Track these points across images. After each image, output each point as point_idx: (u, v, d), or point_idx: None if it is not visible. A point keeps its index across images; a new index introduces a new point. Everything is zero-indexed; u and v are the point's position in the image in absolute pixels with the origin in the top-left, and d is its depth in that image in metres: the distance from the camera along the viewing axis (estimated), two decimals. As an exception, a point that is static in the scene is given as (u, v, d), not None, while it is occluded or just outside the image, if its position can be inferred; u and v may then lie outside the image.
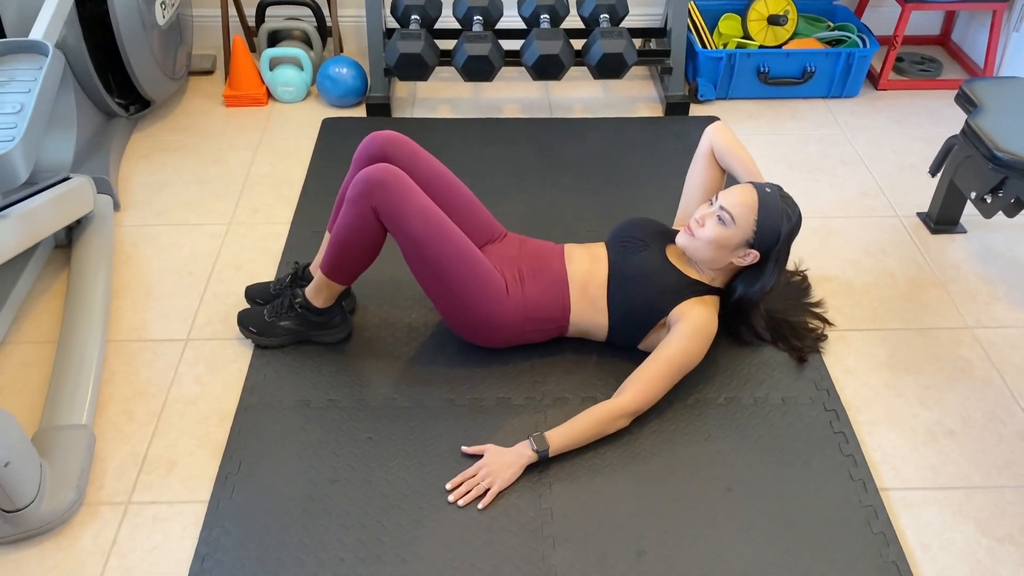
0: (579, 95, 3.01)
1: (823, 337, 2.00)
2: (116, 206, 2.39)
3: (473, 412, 1.81)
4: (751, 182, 1.81)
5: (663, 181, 2.54)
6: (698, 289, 1.83)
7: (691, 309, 1.79)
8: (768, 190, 1.78)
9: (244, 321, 1.95)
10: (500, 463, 1.67)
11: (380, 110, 2.82)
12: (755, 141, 2.75)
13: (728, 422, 1.80)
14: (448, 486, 1.65)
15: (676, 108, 2.85)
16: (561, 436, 1.69)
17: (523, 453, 1.68)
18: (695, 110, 2.90)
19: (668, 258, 1.87)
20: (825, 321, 2.05)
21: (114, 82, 2.64)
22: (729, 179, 2.21)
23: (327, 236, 1.96)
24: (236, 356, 1.95)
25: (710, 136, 1.96)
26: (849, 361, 1.97)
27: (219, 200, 2.45)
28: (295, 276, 2.01)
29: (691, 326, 1.76)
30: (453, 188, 1.92)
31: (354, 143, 2.69)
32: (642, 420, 1.78)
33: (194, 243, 2.29)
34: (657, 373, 1.73)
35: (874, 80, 3.06)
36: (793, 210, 1.79)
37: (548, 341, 1.95)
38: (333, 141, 2.70)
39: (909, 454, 1.76)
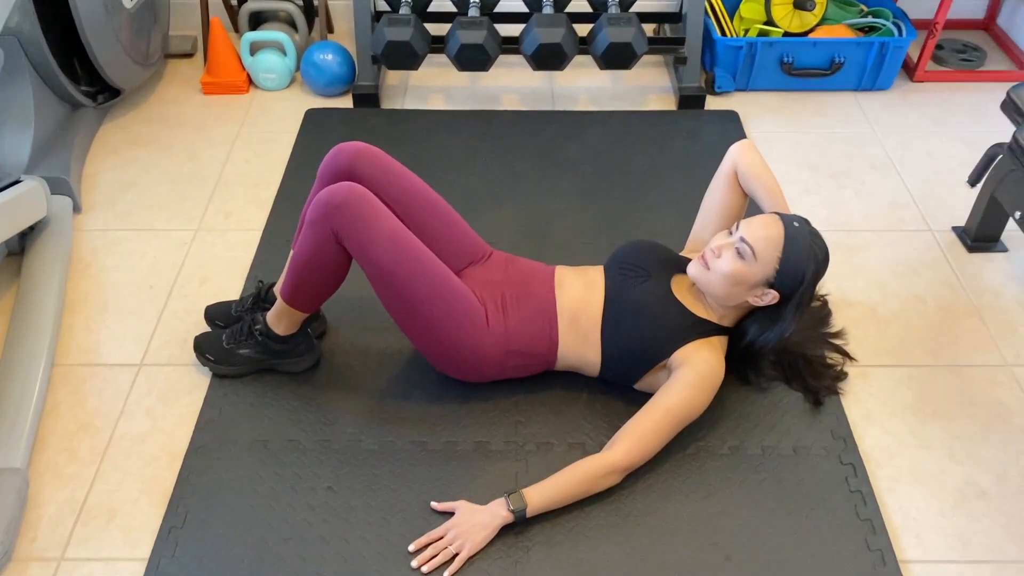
0: (585, 84, 2.78)
1: (843, 376, 1.79)
2: (77, 208, 2.22)
3: (446, 458, 1.63)
4: (777, 213, 1.60)
5: (672, 188, 2.32)
6: (704, 329, 1.63)
7: (696, 353, 1.59)
8: (796, 224, 1.56)
9: (201, 347, 1.78)
10: (471, 524, 1.49)
11: (368, 100, 2.61)
12: (775, 140, 2.51)
13: (732, 476, 1.61)
14: (411, 548, 1.48)
15: (690, 101, 2.61)
16: (541, 494, 1.51)
17: (497, 513, 1.50)
18: (711, 103, 2.66)
19: (673, 291, 1.66)
20: (846, 355, 1.84)
21: (81, 69, 2.44)
22: (751, 207, 1.98)
23: (291, 254, 1.78)
24: (192, 385, 1.78)
25: (735, 156, 1.74)
26: (870, 403, 1.76)
27: (188, 202, 2.26)
28: (257, 297, 1.83)
29: (696, 373, 1.57)
30: (430, 206, 1.72)
31: (337, 138, 2.48)
32: (635, 472, 1.59)
33: (158, 251, 2.11)
34: (654, 426, 1.54)
35: (909, 70, 2.80)
36: (821, 249, 1.58)
37: (535, 375, 1.76)
38: (315, 136, 2.49)
39: (935, 519, 1.56)
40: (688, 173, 2.37)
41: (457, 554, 1.47)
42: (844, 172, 2.39)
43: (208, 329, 1.88)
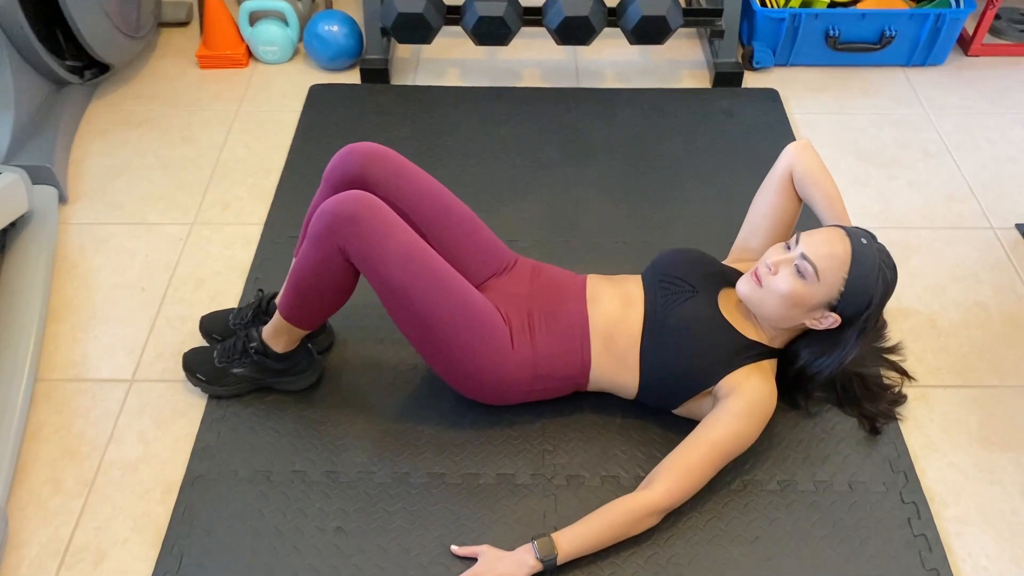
0: (612, 58, 2.56)
1: (901, 399, 1.63)
2: (63, 198, 2.04)
3: (467, 492, 1.48)
4: (841, 226, 1.42)
5: (708, 176, 2.13)
6: (755, 353, 1.46)
7: (746, 381, 1.43)
8: (864, 241, 1.39)
9: (191, 366, 1.62)
10: (495, 574, 1.35)
11: (376, 76, 2.41)
12: (819, 123, 2.31)
13: (781, 516, 1.46)
14: (431, 601, 1.34)
15: (726, 78, 2.41)
16: (572, 540, 1.36)
17: (525, 562, 1.35)
18: (749, 80, 2.45)
19: (720, 310, 1.49)
20: (904, 374, 1.67)
21: (66, 42, 2.24)
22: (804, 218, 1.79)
23: (294, 263, 1.61)
24: (188, 405, 1.62)
25: (791, 158, 1.55)
26: (932, 431, 1.60)
27: (184, 191, 2.09)
28: (258, 309, 1.66)
29: (746, 403, 1.41)
30: (450, 212, 1.54)
31: (345, 117, 2.29)
32: (674, 512, 1.44)
33: (151, 248, 1.94)
34: (699, 462, 1.38)
35: (964, 43, 2.58)
36: (890, 269, 1.40)
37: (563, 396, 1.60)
38: (320, 115, 2.30)
39: (1007, 567, 1.41)
40: (725, 160, 2.17)
41: (480, 608, 1.33)
42: (895, 160, 2.20)
43: (203, 341, 1.72)
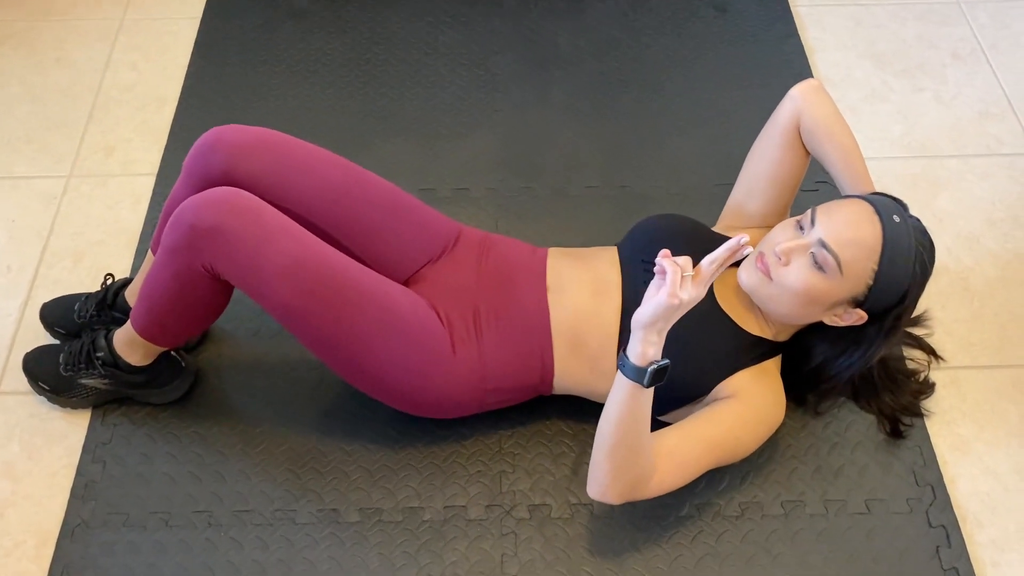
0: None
1: (928, 388, 1.36)
2: (-95, 147, 1.66)
3: (409, 533, 1.22)
4: (868, 199, 1.10)
5: (698, 94, 1.76)
6: (759, 352, 1.18)
7: (751, 387, 1.16)
8: (896, 219, 1.08)
9: (33, 371, 1.31)
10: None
11: (293, -31, 1.96)
12: (829, 19, 1.92)
13: (787, 550, 1.21)
14: None
15: (718, -39, 1.98)
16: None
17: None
18: (744, -39, 2.03)
19: (717, 300, 1.19)
20: (932, 353, 1.39)
21: None
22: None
23: (150, 257, 1.27)
24: (67, 425, 1.33)
25: (797, 104, 1.22)
26: (964, 427, 1.34)
27: (58, 132, 1.70)
28: (102, 302, 1.34)
29: (752, 412, 1.16)
30: (359, 193, 1.21)
31: (254, 24, 1.87)
32: (660, 546, 1.19)
33: (17, 211, 1.58)
34: (695, 460, 1.12)
35: (1001, -94, 2.15)
36: (929, 252, 1.11)
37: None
38: (225, 22, 1.88)
39: (1053, 604, 1.19)
40: (717, 71, 1.80)
41: None
42: (920, 66, 1.83)
43: (50, 342, 1.39)
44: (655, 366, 1.00)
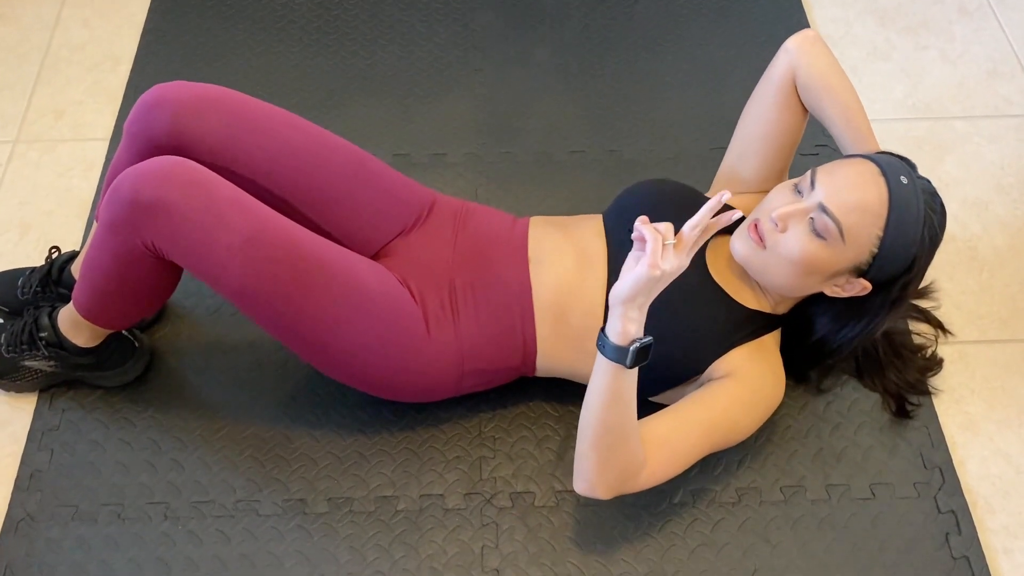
0: None
1: (936, 365, 1.28)
2: None
3: (382, 525, 1.14)
4: (872, 158, 1.01)
5: (691, 53, 1.66)
6: (756, 326, 1.10)
7: (749, 364, 1.08)
8: (904, 180, 0.99)
9: None
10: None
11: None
12: (829, -29, 1.82)
13: (786, 538, 1.14)
14: None
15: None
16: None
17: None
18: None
19: (710, 271, 1.10)
20: (940, 327, 1.31)
21: None
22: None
23: (95, 227, 1.17)
24: (11, 411, 1.23)
25: (792, 57, 1.13)
26: (973, 407, 1.26)
27: (3, 94, 1.59)
28: (47, 278, 1.23)
29: (751, 393, 1.07)
30: (324, 160, 1.10)
31: (217, -19, 1.75)
32: (656, 538, 1.11)
33: (-42, 179, 1.47)
34: (691, 446, 1.03)
35: None
36: (939, 215, 1.02)
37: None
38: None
39: (1068, 594, 1.12)
40: (711, 27, 1.70)
41: None
42: (924, 23, 1.73)
43: None
44: (637, 344, 0.91)
